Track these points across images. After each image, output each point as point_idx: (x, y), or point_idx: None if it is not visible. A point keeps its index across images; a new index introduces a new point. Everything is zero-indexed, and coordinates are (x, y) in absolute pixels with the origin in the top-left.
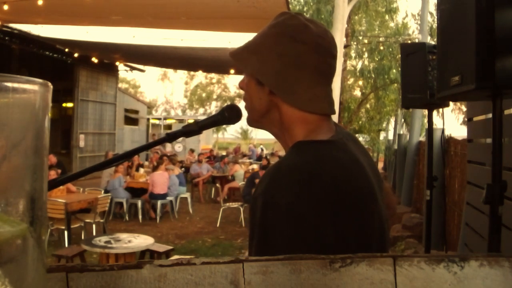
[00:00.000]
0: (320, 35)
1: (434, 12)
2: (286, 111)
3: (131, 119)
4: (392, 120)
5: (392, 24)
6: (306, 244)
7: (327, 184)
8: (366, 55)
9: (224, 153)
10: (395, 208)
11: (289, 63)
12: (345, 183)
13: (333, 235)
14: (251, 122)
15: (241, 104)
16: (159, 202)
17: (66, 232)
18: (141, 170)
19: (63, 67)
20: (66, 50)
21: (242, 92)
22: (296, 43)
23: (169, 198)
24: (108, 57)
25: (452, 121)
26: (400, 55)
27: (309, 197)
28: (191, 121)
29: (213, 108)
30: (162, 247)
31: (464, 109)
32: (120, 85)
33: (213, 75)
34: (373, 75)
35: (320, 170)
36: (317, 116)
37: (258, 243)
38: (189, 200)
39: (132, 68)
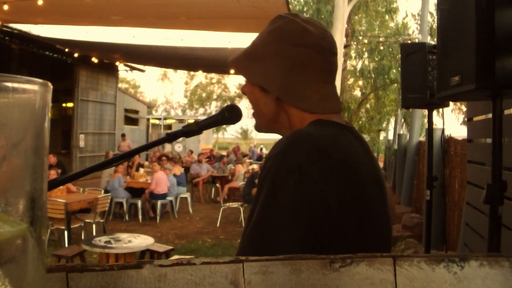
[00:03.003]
0: (321, 35)
1: (434, 12)
2: (294, 113)
3: (131, 119)
4: (392, 120)
5: (392, 24)
6: (311, 208)
7: (339, 159)
8: (366, 55)
9: (224, 153)
10: (394, 208)
11: (293, 68)
12: (356, 164)
13: (338, 206)
14: (260, 127)
15: (242, 104)
16: (159, 202)
17: (66, 232)
18: (141, 170)
19: (63, 67)
20: (66, 50)
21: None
22: (298, 47)
23: (169, 198)
24: (108, 57)
25: (452, 121)
26: (400, 55)
27: (321, 166)
28: (191, 121)
29: (213, 108)
30: (162, 247)
31: (464, 109)
32: (120, 85)
33: (213, 75)
34: (373, 75)
35: (336, 144)
36: (326, 114)
37: (266, 204)
38: (189, 200)
39: (132, 68)
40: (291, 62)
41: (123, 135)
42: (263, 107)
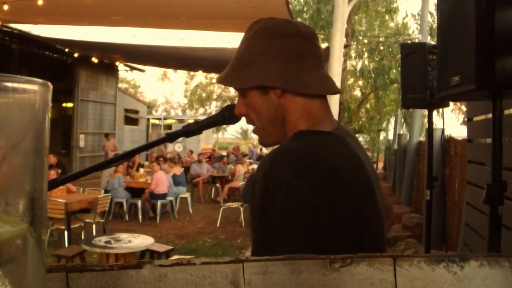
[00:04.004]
0: (301, 24)
1: (434, 12)
2: (292, 108)
3: (131, 119)
4: (392, 120)
5: (392, 24)
6: (304, 223)
7: (324, 169)
8: (366, 55)
9: (224, 153)
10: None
11: (288, 58)
12: (342, 171)
13: (329, 217)
14: (265, 140)
15: None
16: (159, 202)
17: (66, 232)
18: (141, 170)
19: (63, 67)
20: (66, 50)
21: None
22: (286, 38)
23: (169, 198)
24: (108, 57)
25: (452, 121)
26: (400, 55)
27: (307, 179)
28: (191, 121)
29: (213, 108)
30: (162, 247)
31: (464, 109)
32: (120, 85)
33: (213, 75)
34: (373, 75)
35: (318, 156)
36: (321, 107)
37: (259, 225)
38: (189, 200)
39: (132, 68)
40: (284, 53)
41: (106, 135)
42: (266, 113)
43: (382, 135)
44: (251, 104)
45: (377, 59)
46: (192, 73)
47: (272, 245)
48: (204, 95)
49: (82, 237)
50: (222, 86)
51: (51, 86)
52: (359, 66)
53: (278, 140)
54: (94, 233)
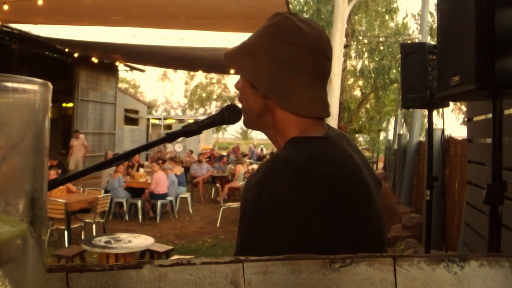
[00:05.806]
0: (314, 37)
1: (434, 12)
2: (280, 114)
3: (131, 119)
4: (392, 120)
5: (392, 24)
6: (297, 235)
7: (320, 178)
8: (366, 55)
9: (224, 153)
10: (396, 209)
11: (283, 66)
12: (338, 178)
13: (325, 228)
14: (247, 123)
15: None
16: (159, 202)
17: (66, 232)
18: (141, 170)
19: (63, 67)
20: (66, 50)
21: None
22: (289, 45)
23: (169, 198)
24: (108, 57)
25: (452, 121)
26: (400, 55)
27: (302, 190)
28: (191, 121)
29: (213, 108)
30: (162, 247)
31: (464, 109)
32: (120, 85)
33: (213, 75)
34: (373, 75)
35: (314, 164)
36: (311, 118)
37: (247, 231)
38: (189, 200)
39: (132, 68)
40: (280, 60)
41: (76, 131)
42: (252, 104)
43: (382, 135)
44: (242, 89)
45: (377, 59)
46: (192, 73)
47: (260, 254)
48: (204, 95)
49: (82, 237)
50: (222, 86)
51: (51, 86)
52: (359, 66)
53: (259, 128)
54: (94, 233)
